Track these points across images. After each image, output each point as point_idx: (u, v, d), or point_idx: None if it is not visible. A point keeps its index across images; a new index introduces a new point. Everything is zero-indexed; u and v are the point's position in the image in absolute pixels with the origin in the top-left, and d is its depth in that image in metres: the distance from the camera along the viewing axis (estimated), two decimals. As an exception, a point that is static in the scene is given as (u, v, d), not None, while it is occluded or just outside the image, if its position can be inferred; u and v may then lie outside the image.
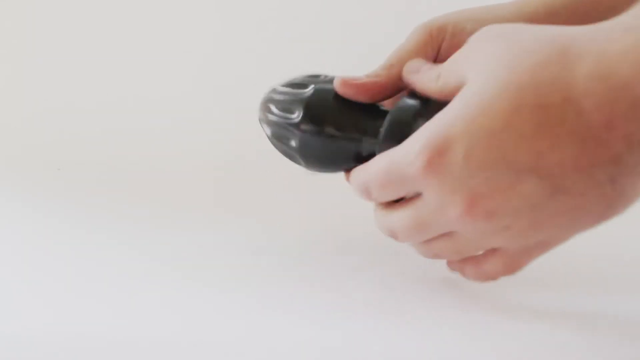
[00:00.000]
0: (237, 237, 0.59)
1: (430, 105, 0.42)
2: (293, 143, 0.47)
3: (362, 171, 0.42)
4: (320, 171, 0.49)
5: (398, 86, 0.46)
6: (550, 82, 0.33)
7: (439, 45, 0.46)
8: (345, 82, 0.46)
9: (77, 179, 0.78)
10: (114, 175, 0.79)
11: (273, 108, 0.49)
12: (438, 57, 0.47)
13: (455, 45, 0.45)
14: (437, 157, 0.35)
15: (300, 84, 0.48)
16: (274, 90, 0.50)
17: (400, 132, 0.41)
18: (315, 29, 0.90)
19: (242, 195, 0.71)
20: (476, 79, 0.36)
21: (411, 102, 0.43)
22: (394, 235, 0.42)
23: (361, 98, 0.46)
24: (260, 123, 0.51)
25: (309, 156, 0.48)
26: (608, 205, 0.34)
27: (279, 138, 0.49)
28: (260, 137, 0.53)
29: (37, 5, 1.00)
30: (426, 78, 0.42)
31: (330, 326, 0.42)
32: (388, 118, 0.43)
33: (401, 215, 0.40)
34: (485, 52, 0.37)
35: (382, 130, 0.43)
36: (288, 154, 0.49)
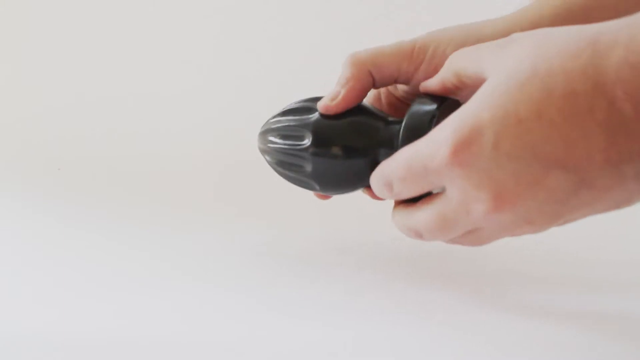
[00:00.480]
0: (239, 237, 0.59)
1: (444, 106, 0.42)
2: (307, 168, 0.47)
3: (384, 164, 0.41)
4: (337, 193, 0.48)
5: (370, 81, 0.46)
6: (581, 70, 0.33)
7: (418, 65, 0.46)
8: (327, 107, 0.46)
9: (77, 179, 0.78)
10: (115, 175, 0.79)
11: (276, 138, 0.48)
12: (415, 77, 0.46)
13: (434, 69, 0.45)
14: (465, 146, 0.34)
15: (301, 110, 0.48)
16: (273, 121, 0.49)
17: (417, 137, 0.40)
18: (316, 31, 0.90)
19: (245, 196, 0.71)
20: (503, 69, 0.35)
21: (424, 106, 0.42)
22: (418, 235, 0.41)
23: (348, 106, 0.46)
24: (262, 153, 0.50)
25: (325, 179, 0.47)
26: (627, 199, 0.34)
27: (286, 166, 0.48)
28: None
29: (37, 5, 1.00)
30: (441, 70, 0.42)
31: (332, 326, 0.42)
32: (403, 125, 0.42)
33: (424, 214, 0.39)
34: (514, 48, 0.36)
35: (400, 137, 0.42)
36: (298, 180, 0.48)
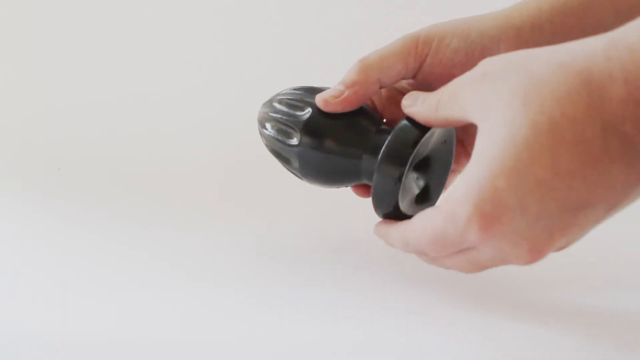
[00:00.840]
0: (239, 237, 0.58)
1: (430, 130, 0.43)
2: (294, 163, 0.48)
3: (406, 233, 0.41)
4: (321, 186, 0.50)
5: (376, 88, 0.47)
6: (584, 115, 0.32)
7: (423, 59, 0.46)
8: (327, 102, 0.46)
9: (77, 179, 0.78)
10: (114, 175, 0.79)
11: (270, 127, 0.49)
12: (420, 71, 0.47)
13: (439, 62, 0.46)
14: (493, 222, 0.34)
15: (297, 105, 0.48)
16: (272, 107, 0.50)
17: (398, 156, 0.42)
18: (316, 31, 0.90)
19: (244, 196, 0.71)
20: (499, 123, 0.35)
21: (411, 126, 0.43)
22: (446, 269, 0.42)
23: (347, 109, 0.47)
24: (260, 133, 0.51)
25: (310, 175, 0.48)
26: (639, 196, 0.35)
27: (278, 155, 0.50)
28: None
29: (37, 5, 1.00)
30: (425, 108, 0.42)
31: (331, 326, 0.42)
32: (388, 140, 0.43)
33: (456, 261, 0.39)
34: (496, 88, 0.36)
35: (381, 152, 0.43)
36: (287, 167, 0.50)
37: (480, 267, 0.39)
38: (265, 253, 0.54)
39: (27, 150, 0.87)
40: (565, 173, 0.33)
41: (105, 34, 0.97)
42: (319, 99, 0.47)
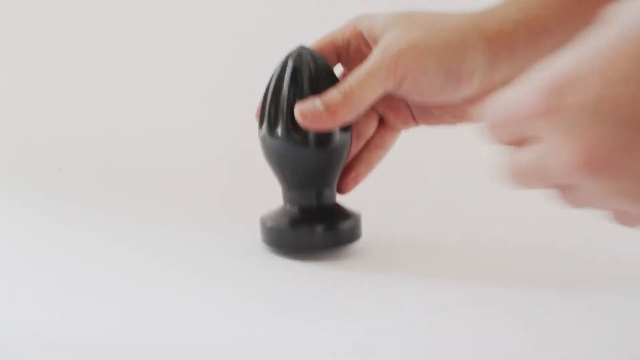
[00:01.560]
0: (239, 237, 0.58)
1: None
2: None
3: (500, 98, 0.37)
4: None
5: (354, 120, 0.48)
6: None
7: (401, 82, 0.47)
8: (305, 116, 0.46)
9: (77, 179, 0.78)
10: (114, 175, 0.79)
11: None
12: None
13: (415, 90, 0.47)
14: (556, 96, 0.32)
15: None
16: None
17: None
18: (316, 32, 0.90)
19: (244, 196, 0.71)
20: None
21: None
22: (517, 178, 0.37)
23: (320, 130, 0.48)
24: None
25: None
26: None
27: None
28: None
29: (37, 5, 1.00)
30: None
31: (331, 327, 0.42)
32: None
33: (519, 156, 0.36)
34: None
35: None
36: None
37: (539, 167, 0.35)
38: (265, 253, 0.54)
39: (27, 150, 0.88)
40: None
41: (105, 34, 0.97)
42: (297, 109, 0.47)
